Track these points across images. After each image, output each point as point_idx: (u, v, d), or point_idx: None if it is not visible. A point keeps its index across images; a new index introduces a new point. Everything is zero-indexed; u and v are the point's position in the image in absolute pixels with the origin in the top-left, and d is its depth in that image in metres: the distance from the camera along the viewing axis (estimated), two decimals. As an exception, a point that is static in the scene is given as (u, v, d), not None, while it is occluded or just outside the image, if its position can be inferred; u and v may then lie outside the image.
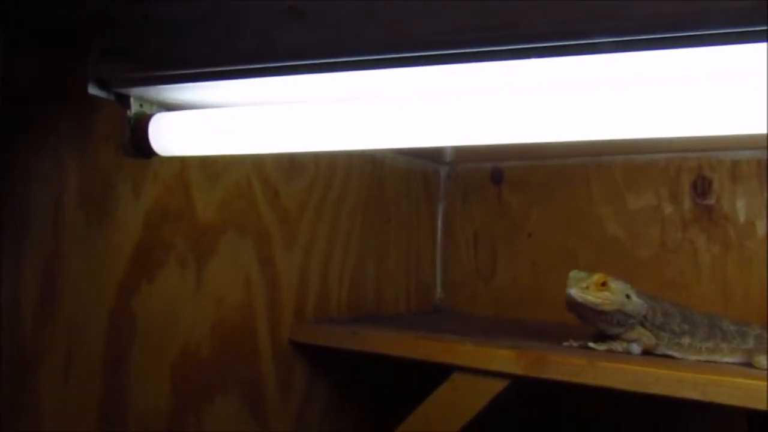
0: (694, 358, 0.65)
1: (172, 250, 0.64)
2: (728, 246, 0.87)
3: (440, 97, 0.45)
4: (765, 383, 0.52)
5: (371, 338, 0.73)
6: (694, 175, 0.89)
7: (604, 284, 0.65)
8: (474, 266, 1.06)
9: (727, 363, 0.64)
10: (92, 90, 0.48)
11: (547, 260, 0.99)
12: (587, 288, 0.65)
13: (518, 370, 0.64)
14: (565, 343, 0.69)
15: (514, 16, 0.38)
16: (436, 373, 0.69)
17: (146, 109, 0.52)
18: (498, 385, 0.64)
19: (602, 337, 0.68)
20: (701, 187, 0.89)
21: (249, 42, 0.40)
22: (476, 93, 0.44)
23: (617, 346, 0.67)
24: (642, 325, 0.66)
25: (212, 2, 0.42)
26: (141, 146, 0.52)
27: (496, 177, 1.05)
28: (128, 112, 0.52)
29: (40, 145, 0.50)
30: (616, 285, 0.66)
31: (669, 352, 0.66)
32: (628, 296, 0.66)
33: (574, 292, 0.65)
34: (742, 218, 0.86)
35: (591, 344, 0.68)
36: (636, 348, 0.66)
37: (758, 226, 0.85)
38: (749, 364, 0.62)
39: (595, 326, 0.68)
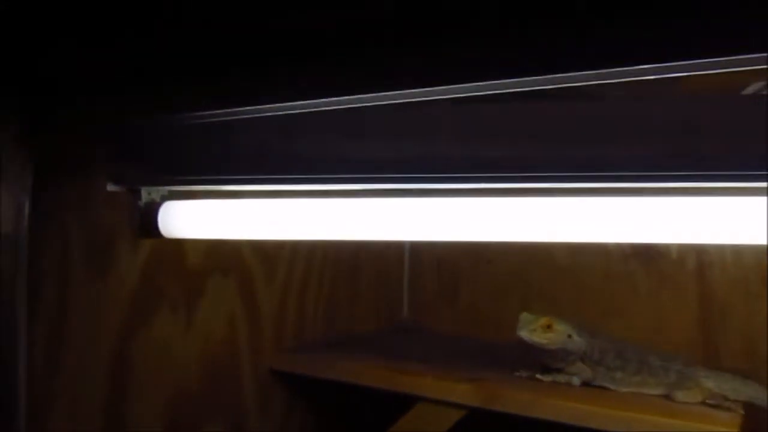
0: (625, 390, 0.75)
1: (165, 296, 0.71)
2: (663, 279, 0.97)
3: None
4: (679, 421, 0.62)
5: (343, 368, 0.82)
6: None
7: (549, 326, 0.74)
8: (438, 288, 1.15)
9: (653, 395, 0.74)
10: (110, 188, 0.55)
11: (504, 285, 1.08)
12: (534, 330, 0.74)
13: (475, 402, 0.73)
14: (517, 374, 0.79)
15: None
16: (406, 400, 0.78)
17: (154, 196, 0.59)
18: (457, 414, 0.74)
19: (548, 369, 0.78)
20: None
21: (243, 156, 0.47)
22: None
23: (560, 378, 0.77)
24: (582, 360, 0.76)
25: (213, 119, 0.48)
26: (150, 230, 0.59)
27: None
28: (139, 201, 0.59)
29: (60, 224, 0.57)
30: (559, 326, 0.75)
31: (604, 384, 0.76)
32: (570, 336, 0.76)
33: (524, 333, 0.74)
34: (674, 255, 0.97)
35: (538, 376, 0.78)
36: (576, 380, 0.76)
37: (688, 261, 0.96)
38: (670, 397, 0.72)
39: (542, 361, 0.78)
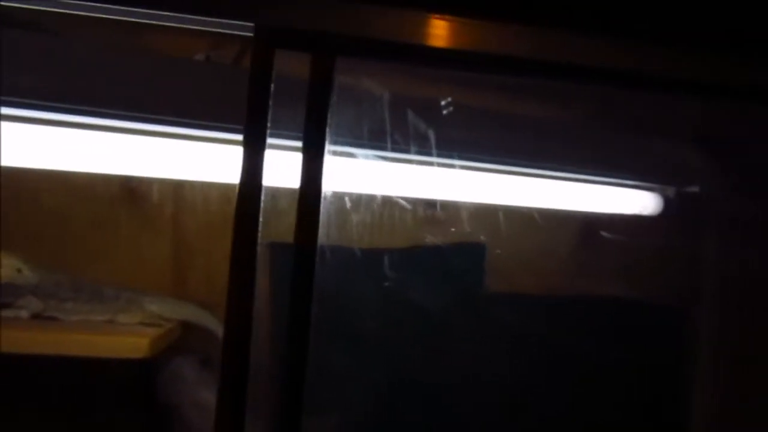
0: (75, 318, 0.80)
1: None
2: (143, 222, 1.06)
3: None
4: (99, 337, 0.70)
5: None
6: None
7: (-7, 260, 0.74)
8: None
9: (100, 320, 0.81)
10: None
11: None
12: (-22, 264, 0.73)
13: None
14: (-40, 313, 0.76)
15: None
16: None
17: None
18: None
19: (-4, 305, 0.77)
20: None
21: None
22: None
23: (9, 312, 0.77)
24: (33, 293, 0.78)
25: None
26: None
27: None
28: None
29: None
30: (7, 261, 0.75)
31: (54, 314, 0.79)
32: (19, 270, 0.76)
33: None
34: (155, 200, 1.07)
35: (-16, 312, 0.76)
36: (25, 312, 0.77)
37: (166, 207, 1.07)
38: (113, 321, 0.81)
39: (-10, 296, 0.76)
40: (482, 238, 0.93)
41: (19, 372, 0.86)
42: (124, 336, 0.71)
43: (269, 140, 0.34)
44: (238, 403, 0.34)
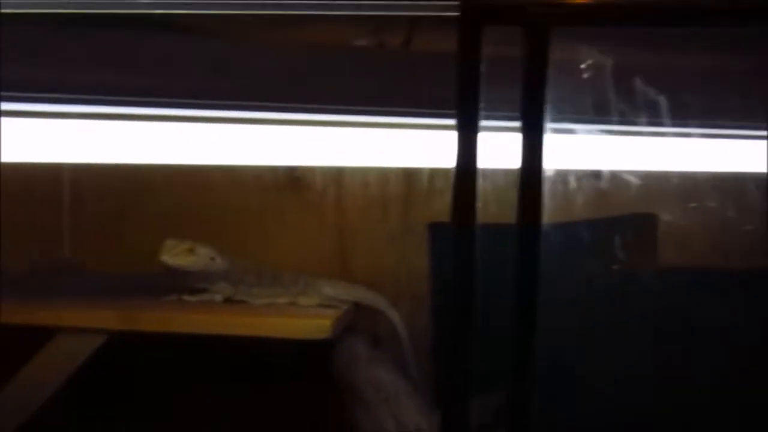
0: (260, 301, 0.85)
1: None
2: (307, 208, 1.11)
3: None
4: (284, 319, 0.74)
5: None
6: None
7: (191, 250, 0.81)
8: (101, 225, 1.12)
9: (283, 303, 0.85)
10: None
11: (165, 221, 1.11)
12: (177, 254, 0.80)
13: (115, 325, 0.75)
14: (165, 298, 0.84)
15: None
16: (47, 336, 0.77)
17: None
18: (96, 340, 0.75)
19: (195, 291, 0.84)
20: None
21: None
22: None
23: (206, 296, 0.84)
24: (224, 280, 0.84)
25: None
26: None
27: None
28: None
29: None
30: (201, 250, 0.82)
31: (244, 298, 0.85)
32: (212, 258, 0.83)
33: (166, 258, 0.79)
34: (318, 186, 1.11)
35: (185, 297, 0.84)
36: (219, 297, 0.84)
37: (329, 192, 1.11)
38: (294, 303, 0.85)
39: (188, 283, 0.84)
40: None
41: (210, 351, 0.94)
42: (309, 318, 0.75)
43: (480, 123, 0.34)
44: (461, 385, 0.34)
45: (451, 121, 0.33)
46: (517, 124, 0.33)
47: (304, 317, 0.76)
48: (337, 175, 1.10)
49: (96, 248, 1.13)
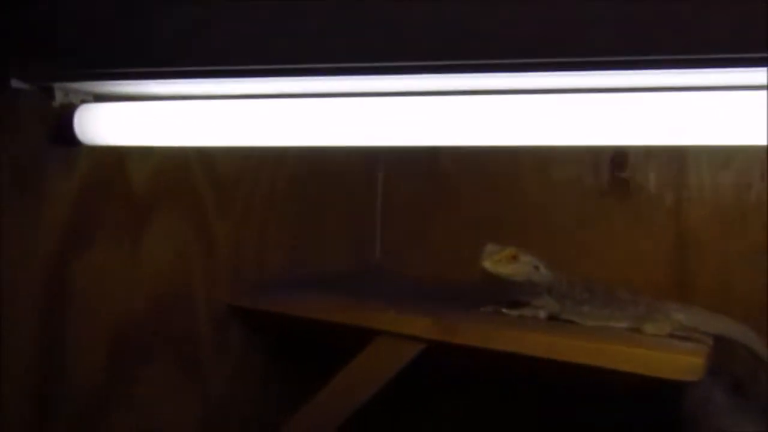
0: (592, 323, 0.72)
1: (105, 223, 0.67)
2: (638, 216, 0.94)
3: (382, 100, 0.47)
4: (644, 351, 0.59)
5: (301, 304, 0.78)
6: (612, 150, 0.95)
7: (514, 257, 0.71)
8: (409, 229, 1.11)
9: (621, 328, 0.71)
10: (15, 84, 0.49)
11: (476, 225, 1.04)
12: (499, 261, 0.70)
13: (434, 335, 0.69)
14: (482, 309, 0.75)
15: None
16: (366, 338, 0.75)
17: (72, 98, 0.54)
18: (416, 348, 0.70)
19: (515, 304, 0.75)
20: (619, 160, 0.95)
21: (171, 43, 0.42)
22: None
23: (527, 311, 0.73)
24: (549, 293, 0.73)
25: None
26: (66, 136, 0.54)
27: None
28: (53, 102, 0.53)
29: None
30: (525, 258, 0.71)
31: (571, 318, 0.72)
32: (536, 267, 0.72)
33: (488, 264, 0.70)
34: (652, 190, 0.93)
35: (504, 310, 0.74)
36: (543, 313, 0.73)
37: (666, 197, 0.92)
38: (638, 330, 0.69)
39: (509, 294, 0.74)
40: None
41: (526, 374, 0.83)
42: (675, 353, 0.59)
43: None
44: None
45: None
46: None
47: (667, 351, 0.60)
48: (676, 174, 0.91)
49: (403, 251, 1.12)
